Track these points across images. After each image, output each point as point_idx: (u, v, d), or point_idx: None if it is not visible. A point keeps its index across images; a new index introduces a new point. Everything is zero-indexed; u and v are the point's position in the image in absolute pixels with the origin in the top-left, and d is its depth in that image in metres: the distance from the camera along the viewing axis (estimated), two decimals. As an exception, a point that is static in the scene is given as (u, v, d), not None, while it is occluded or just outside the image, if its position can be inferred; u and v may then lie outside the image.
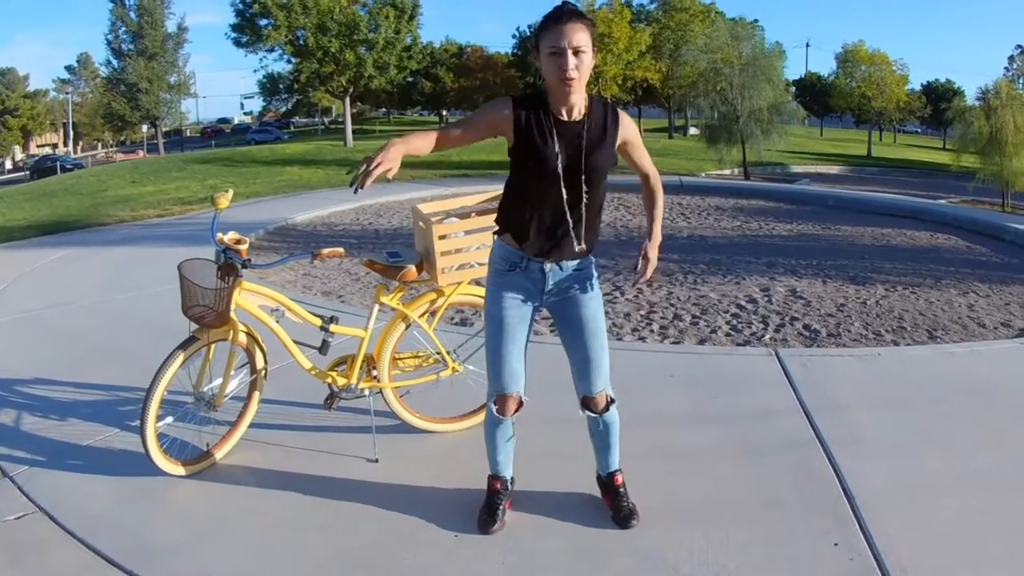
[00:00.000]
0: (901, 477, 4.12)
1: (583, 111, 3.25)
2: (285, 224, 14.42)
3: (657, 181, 3.59)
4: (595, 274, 3.55)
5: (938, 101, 70.33)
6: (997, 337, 7.45)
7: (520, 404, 3.54)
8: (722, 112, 29.69)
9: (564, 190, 3.23)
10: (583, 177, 3.24)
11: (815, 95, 76.40)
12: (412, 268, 4.29)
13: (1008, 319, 8.15)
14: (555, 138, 3.19)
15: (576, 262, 3.43)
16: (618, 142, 3.36)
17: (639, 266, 3.46)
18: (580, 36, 3.04)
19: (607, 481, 3.77)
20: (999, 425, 4.83)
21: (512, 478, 3.77)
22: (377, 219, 15.39)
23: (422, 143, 3.23)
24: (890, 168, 45.87)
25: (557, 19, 3.07)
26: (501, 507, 3.67)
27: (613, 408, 3.61)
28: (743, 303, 8.60)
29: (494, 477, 3.72)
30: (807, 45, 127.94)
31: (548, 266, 3.38)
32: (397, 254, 4.43)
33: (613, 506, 3.72)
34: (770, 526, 3.66)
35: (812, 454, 4.37)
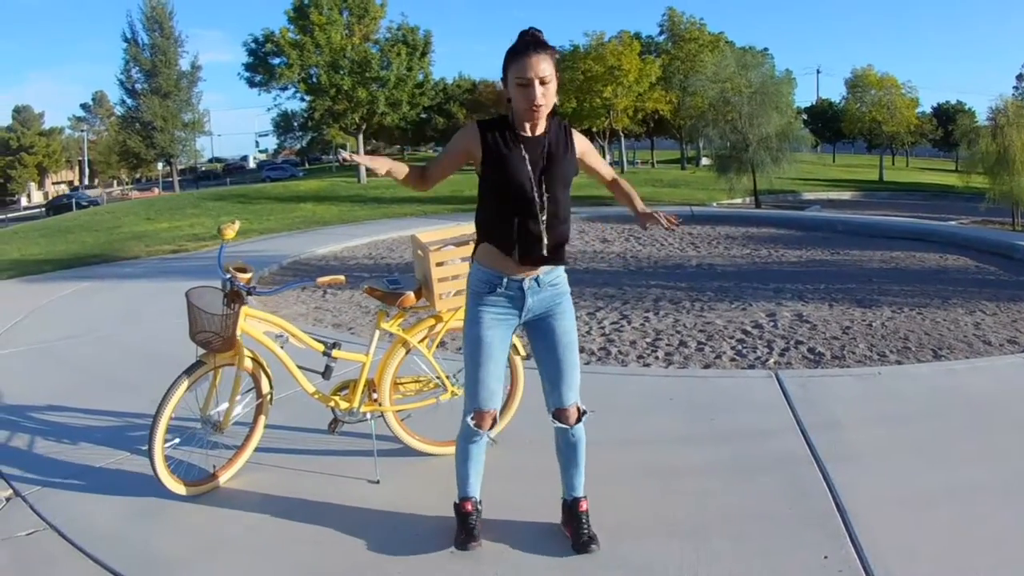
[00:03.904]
0: (894, 491, 4.17)
1: (544, 129, 3.50)
2: (299, 259, 14.61)
3: (622, 179, 3.90)
4: (568, 290, 3.71)
5: (949, 123, 70.36)
6: (1003, 354, 7.48)
7: (494, 421, 3.65)
8: (731, 141, 29.75)
9: (532, 199, 3.42)
10: (548, 185, 3.44)
11: (826, 121, 76.46)
12: (411, 294, 4.42)
13: (1014, 336, 8.18)
14: (521, 150, 3.42)
15: (552, 276, 3.60)
16: (577, 153, 3.59)
17: (661, 220, 3.57)
18: (544, 66, 3.29)
19: (571, 507, 3.77)
20: (995, 437, 4.89)
21: (481, 501, 3.81)
22: (389, 253, 15.57)
23: (406, 178, 3.54)
24: (902, 192, 45.81)
25: (524, 51, 3.31)
26: (476, 527, 3.70)
27: (583, 421, 3.69)
28: (749, 328, 8.64)
29: (464, 499, 3.76)
30: (818, 71, 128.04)
31: (527, 284, 3.53)
32: (396, 281, 4.55)
33: (573, 533, 3.70)
34: (760, 540, 3.72)
35: (806, 471, 4.43)
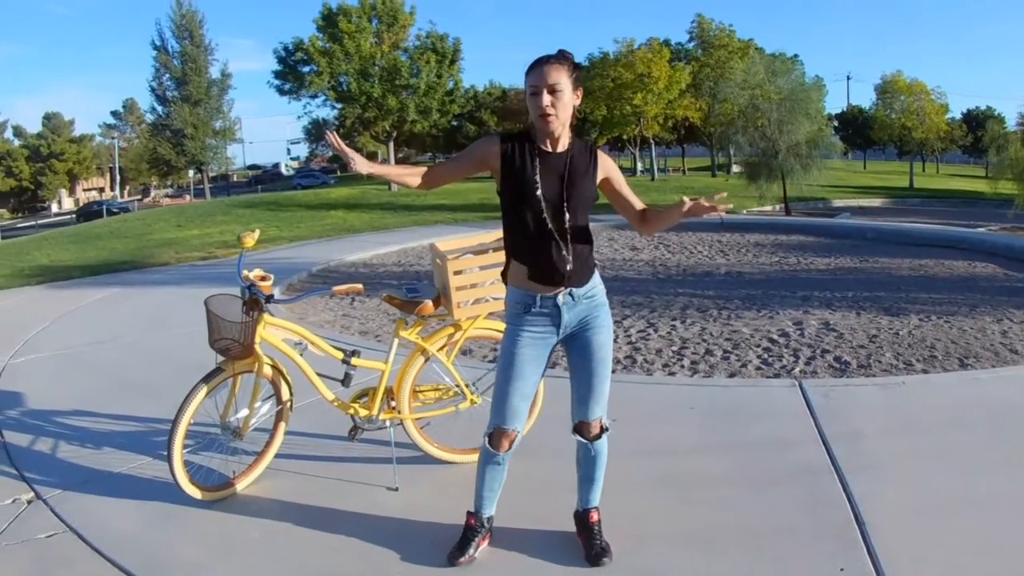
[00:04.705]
0: (913, 501, 4.13)
1: (567, 146, 3.46)
2: (328, 266, 14.71)
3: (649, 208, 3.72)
4: (606, 301, 3.66)
5: (979, 129, 69.66)
6: (1030, 363, 7.37)
7: (512, 443, 3.59)
8: (761, 148, 29.60)
9: (550, 216, 3.38)
10: (567, 203, 3.40)
11: (857, 128, 76.08)
12: (429, 303, 4.44)
13: (1042, 344, 8.08)
14: (539, 166, 3.39)
15: (587, 288, 3.54)
16: (599, 177, 3.53)
17: (706, 203, 3.45)
18: (556, 75, 3.28)
19: (583, 517, 3.77)
20: (1017, 447, 4.83)
21: (491, 517, 3.78)
22: (419, 260, 15.63)
23: (403, 178, 3.55)
24: (932, 199, 45.30)
25: (539, 62, 3.33)
26: (474, 543, 3.70)
27: (605, 437, 3.67)
28: (775, 337, 8.60)
29: (472, 513, 3.75)
30: (848, 78, 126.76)
31: (561, 299, 3.48)
32: (415, 289, 4.57)
33: (585, 544, 3.71)
34: (776, 551, 3.69)
35: (825, 481, 4.39)
